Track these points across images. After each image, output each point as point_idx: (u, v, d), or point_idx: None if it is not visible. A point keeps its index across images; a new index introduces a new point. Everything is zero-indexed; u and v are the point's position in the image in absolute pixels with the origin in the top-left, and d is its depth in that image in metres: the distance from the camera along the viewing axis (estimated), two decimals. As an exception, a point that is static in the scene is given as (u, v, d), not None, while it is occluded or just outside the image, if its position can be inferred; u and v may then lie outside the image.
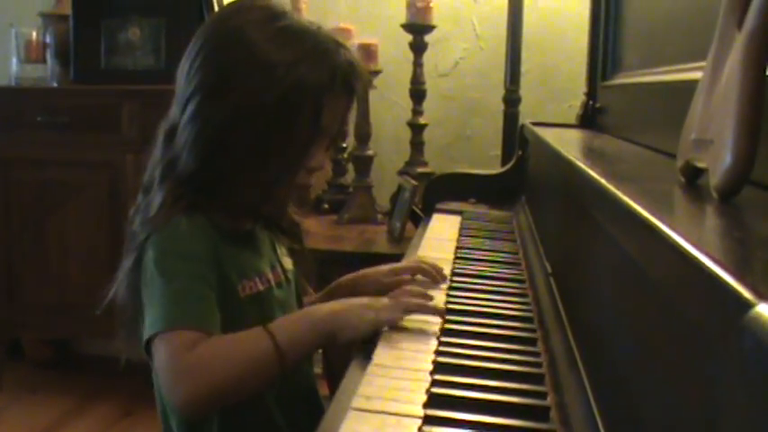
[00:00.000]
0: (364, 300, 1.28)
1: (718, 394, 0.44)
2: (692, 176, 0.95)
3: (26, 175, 3.21)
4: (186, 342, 1.14)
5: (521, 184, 2.36)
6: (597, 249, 1.02)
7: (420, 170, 2.94)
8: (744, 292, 0.42)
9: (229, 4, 1.48)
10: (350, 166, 3.07)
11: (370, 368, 1.08)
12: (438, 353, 1.13)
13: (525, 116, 2.85)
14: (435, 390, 1.00)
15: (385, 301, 1.28)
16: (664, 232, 0.59)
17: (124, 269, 1.31)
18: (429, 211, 2.32)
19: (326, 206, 3.08)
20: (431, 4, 2.93)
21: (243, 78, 1.28)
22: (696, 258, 0.49)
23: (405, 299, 1.29)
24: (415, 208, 2.47)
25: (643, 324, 0.72)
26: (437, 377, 1.04)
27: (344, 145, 3.11)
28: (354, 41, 2.83)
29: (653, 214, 0.65)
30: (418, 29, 2.94)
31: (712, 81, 0.93)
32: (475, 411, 0.95)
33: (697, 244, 0.52)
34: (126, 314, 1.31)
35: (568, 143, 1.61)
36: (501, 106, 2.96)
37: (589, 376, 0.97)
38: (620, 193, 0.81)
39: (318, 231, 2.79)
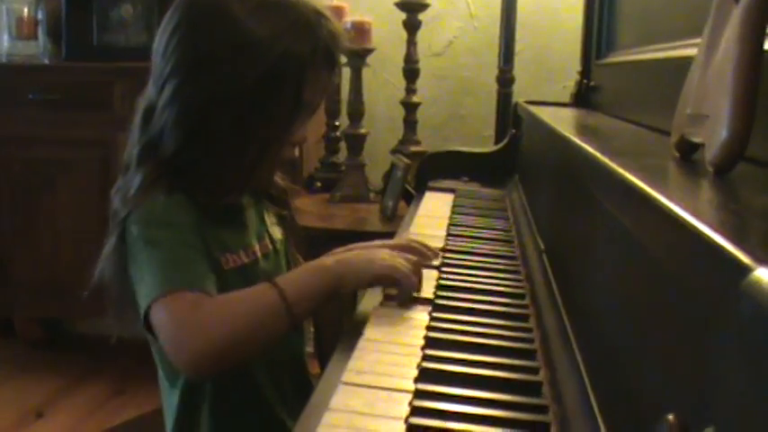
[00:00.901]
0: (364, 251, 1.28)
1: (717, 362, 0.43)
2: (687, 151, 0.94)
3: (17, 152, 3.20)
4: (189, 302, 1.13)
5: (514, 162, 2.35)
6: (593, 225, 1.01)
7: (413, 149, 2.93)
8: (742, 257, 0.41)
9: None
10: (343, 145, 3.05)
11: (361, 343, 1.07)
12: (429, 328, 1.12)
13: (519, 96, 2.83)
14: (426, 364, 0.99)
15: (385, 252, 1.26)
16: (661, 203, 0.58)
17: (108, 248, 1.28)
18: (421, 189, 2.31)
19: (319, 184, 3.07)
20: (425, -18, 2.89)
21: (223, 57, 1.24)
22: (694, 227, 0.48)
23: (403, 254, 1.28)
24: (407, 186, 2.46)
25: (640, 298, 0.71)
26: (428, 352, 1.03)
27: (337, 123, 3.09)
28: (348, 19, 2.80)
29: (650, 186, 0.64)
30: (412, 7, 2.92)
31: (708, 56, 0.92)
32: (466, 386, 0.94)
33: (694, 213, 0.51)
34: (113, 293, 1.29)
35: (562, 120, 1.60)
36: (495, 86, 2.94)
37: (582, 352, 0.96)
38: (617, 167, 0.80)
39: (310, 210, 2.77)
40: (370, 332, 1.11)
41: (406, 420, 0.85)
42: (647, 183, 0.67)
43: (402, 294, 1.23)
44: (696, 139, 0.90)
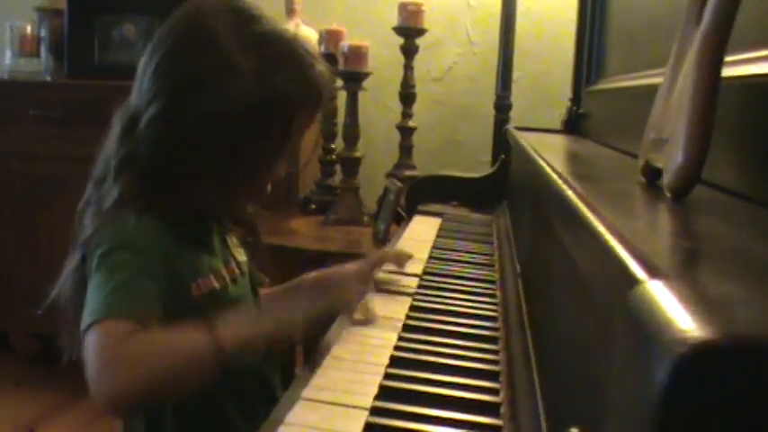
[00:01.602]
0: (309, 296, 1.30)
1: (608, 374, 0.43)
2: (652, 176, 0.95)
3: (17, 168, 3.23)
4: (119, 332, 1.06)
5: (504, 187, 2.35)
6: (551, 247, 1.02)
7: (408, 173, 2.93)
8: (634, 269, 0.41)
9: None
10: (338, 168, 3.06)
11: (327, 360, 1.08)
12: (396, 348, 1.13)
13: (516, 122, 2.83)
14: (387, 382, 1.00)
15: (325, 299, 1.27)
16: (587, 219, 0.59)
17: (70, 266, 1.25)
18: (412, 212, 2.32)
19: (314, 207, 3.07)
20: (422, 8, 2.92)
21: (213, 84, 1.22)
22: (602, 234, 0.49)
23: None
24: (399, 210, 2.47)
25: (580, 318, 0.72)
26: (390, 371, 1.04)
27: (333, 146, 3.11)
28: (345, 43, 2.82)
29: (582, 201, 0.65)
30: (409, 32, 2.94)
31: (672, 81, 0.93)
32: (425, 405, 0.94)
33: (608, 227, 0.51)
34: (69, 311, 1.24)
35: (543, 146, 1.60)
36: (492, 112, 2.95)
37: (539, 372, 0.96)
38: (559, 182, 0.80)
39: (305, 231, 2.78)
40: (337, 350, 1.12)
41: (360, 436, 0.86)
42: (581, 199, 0.67)
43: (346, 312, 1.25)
44: (658, 164, 0.90)
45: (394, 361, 1.08)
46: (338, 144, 3.09)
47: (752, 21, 0.88)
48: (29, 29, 3.43)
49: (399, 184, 2.56)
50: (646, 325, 0.34)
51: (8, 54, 3.43)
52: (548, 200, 0.99)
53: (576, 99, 2.25)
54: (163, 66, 1.25)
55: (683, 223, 0.72)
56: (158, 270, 1.18)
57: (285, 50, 1.27)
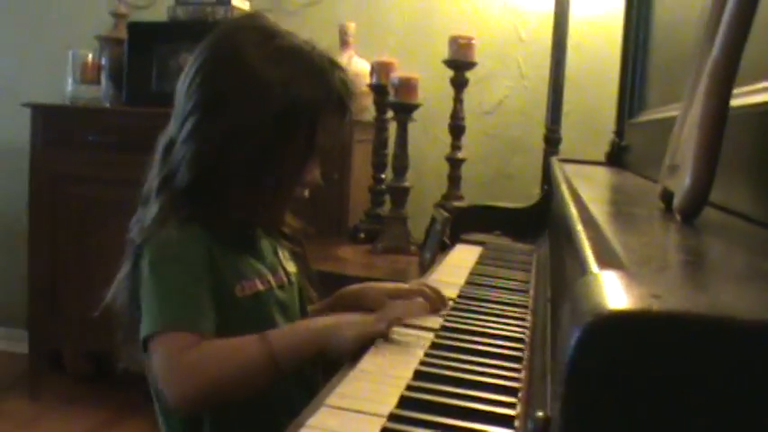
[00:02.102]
0: (356, 316, 1.34)
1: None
2: (669, 201, 0.98)
3: (75, 190, 3.35)
4: (181, 344, 1.20)
5: (547, 217, 2.38)
6: (570, 268, 1.06)
7: (455, 204, 2.97)
8: (591, 261, 0.46)
9: (228, 23, 1.52)
10: (388, 198, 3.12)
11: (353, 372, 1.13)
12: (422, 363, 1.17)
13: (565, 155, 2.86)
14: (408, 393, 1.04)
15: (373, 316, 1.32)
16: (575, 229, 0.63)
17: (121, 274, 1.37)
18: (455, 241, 2.35)
19: (362, 235, 3.13)
20: (473, 42, 2.97)
21: (240, 97, 1.33)
22: (578, 234, 0.54)
23: (391, 312, 1.34)
24: (444, 239, 2.51)
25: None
26: (412, 383, 1.08)
27: (383, 176, 3.17)
28: (395, 74, 2.88)
29: (579, 215, 0.69)
30: (459, 65, 2.99)
31: (687, 109, 0.96)
32: (443, 415, 0.98)
33: (588, 230, 0.56)
34: (124, 319, 1.37)
35: (577, 175, 1.64)
36: (542, 145, 2.99)
37: (553, 386, 1.00)
38: (568, 200, 0.84)
39: (352, 259, 2.84)
40: (364, 363, 1.17)
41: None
42: (580, 215, 0.71)
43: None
44: (672, 189, 0.94)
45: (417, 375, 1.12)
46: (388, 174, 3.15)
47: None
48: (90, 57, 3.56)
49: (446, 214, 2.60)
50: (576, 301, 0.39)
51: (69, 81, 3.55)
52: (567, 222, 1.03)
53: (620, 131, 2.28)
54: (194, 85, 1.36)
55: (676, 239, 0.75)
56: (205, 274, 1.29)
57: (306, 61, 1.36)
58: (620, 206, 1.07)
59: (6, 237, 4.21)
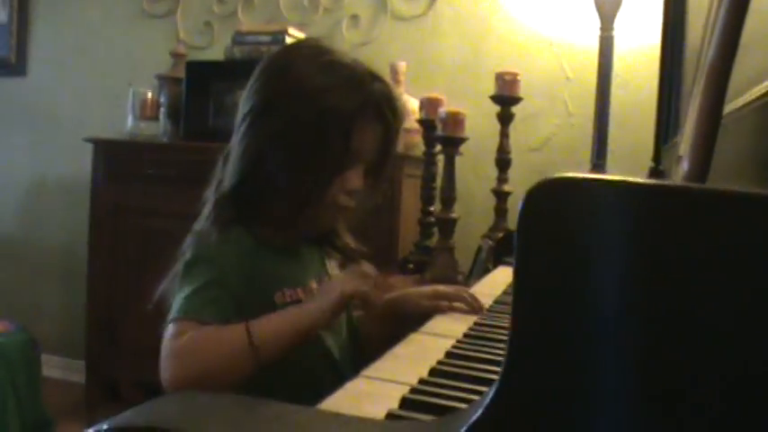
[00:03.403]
0: (327, 287, 1.46)
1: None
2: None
3: (134, 222, 3.55)
4: (178, 331, 1.31)
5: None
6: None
7: (501, 235, 3.12)
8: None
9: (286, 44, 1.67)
10: (436, 230, 3.26)
11: (386, 356, 1.26)
12: (453, 347, 1.29)
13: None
14: (436, 366, 1.18)
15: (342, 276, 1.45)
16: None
17: (171, 274, 1.51)
18: (498, 264, 2.50)
19: (411, 266, 3.27)
20: (518, 78, 3.14)
21: (285, 102, 1.46)
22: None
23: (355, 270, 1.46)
24: (488, 265, 2.65)
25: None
26: (441, 360, 1.21)
27: (431, 208, 3.33)
28: (443, 109, 3.04)
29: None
30: (504, 100, 3.15)
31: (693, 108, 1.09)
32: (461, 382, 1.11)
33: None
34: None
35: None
36: (588, 182, 3.09)
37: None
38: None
39: (401, 287, 2.97)
40: (397, 350, 1.29)
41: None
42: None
43: (370, 306, 1.43)
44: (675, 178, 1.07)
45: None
46: (437, 208, 3.27)
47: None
48: (149, 95, 3.80)
49: (491, 243, 2.75)
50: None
51: (130, 117, 3.78)
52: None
53: (657, 157, 2.39)
54: (249, 93, 1.52)
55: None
56: (231, 279, 1.41)
57: (347, 71, 1.49)
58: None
59: (66, 269, 4.45)
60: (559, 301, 0.59)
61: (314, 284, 1.56)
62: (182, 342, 1.29)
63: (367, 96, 1.49)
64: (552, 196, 0.59)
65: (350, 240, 1.70)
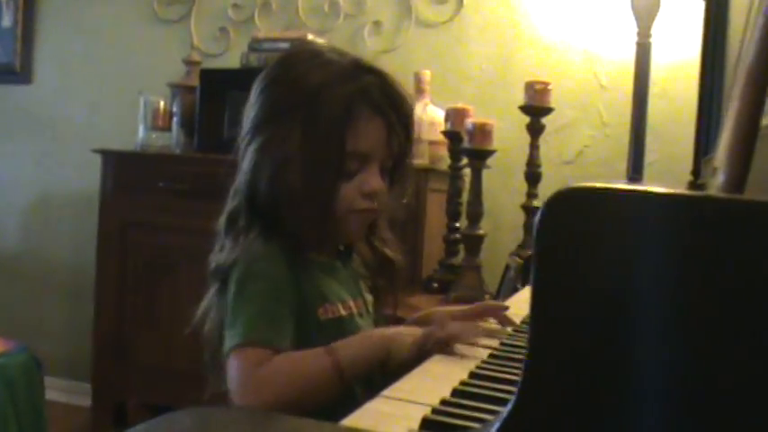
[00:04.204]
0: (416, 327, 1.47)
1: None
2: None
3: (144, 237, 3.55)
4: (255, 359, 1.34)
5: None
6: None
7: (531, 252, 3.09)
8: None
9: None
10: (462, 247, 3.24)
11: (414, 372, 1.28)
12: (478, 367, 1.30)
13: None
14: (459, 387, 1.18)
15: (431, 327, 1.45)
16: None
17: (207, 303, 1.52)
18: (526, 283, 2.49)
19: (436, 285, 3.25)
20: (549, 88, 3.11)
21: (285, 104, 1.50)
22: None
23: (450, 328, 1.44)
24: (517, 285, 2.64)
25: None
26: (465, 381, 1.22)
27: (457, 225, 3.32)
28: (470, 120, 3.02)
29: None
30: (535, 111, 3.12)
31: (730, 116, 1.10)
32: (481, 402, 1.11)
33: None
34: (211, 346, 1.51)
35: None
36: (624, 195, 3.07)
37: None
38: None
39: (425, 307, 2.96)
40: (425, 366, 1.32)
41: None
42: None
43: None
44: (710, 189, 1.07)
45: (471, 375, 1.26)
46: (462, 223, 3.26)
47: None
48: (162, 104, 3.79)
49: (519, 260, 2.74)
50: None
51: (141, 128, 3.78)
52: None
53: (696, 170, 2.39)
54: (250, 107, 1.57)
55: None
56: (288, 294, 1.44)
57: (337, 67, 1.52)
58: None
59: (73, 286, 4.44)
60: (577, 315, 0.59)
61: (351, 302, 1.59)
62: (261, 372, 1.33)
63: (354, 90, 1.49)
64: (572, 207, 0.58)
65: (386, 250, 1.69)
